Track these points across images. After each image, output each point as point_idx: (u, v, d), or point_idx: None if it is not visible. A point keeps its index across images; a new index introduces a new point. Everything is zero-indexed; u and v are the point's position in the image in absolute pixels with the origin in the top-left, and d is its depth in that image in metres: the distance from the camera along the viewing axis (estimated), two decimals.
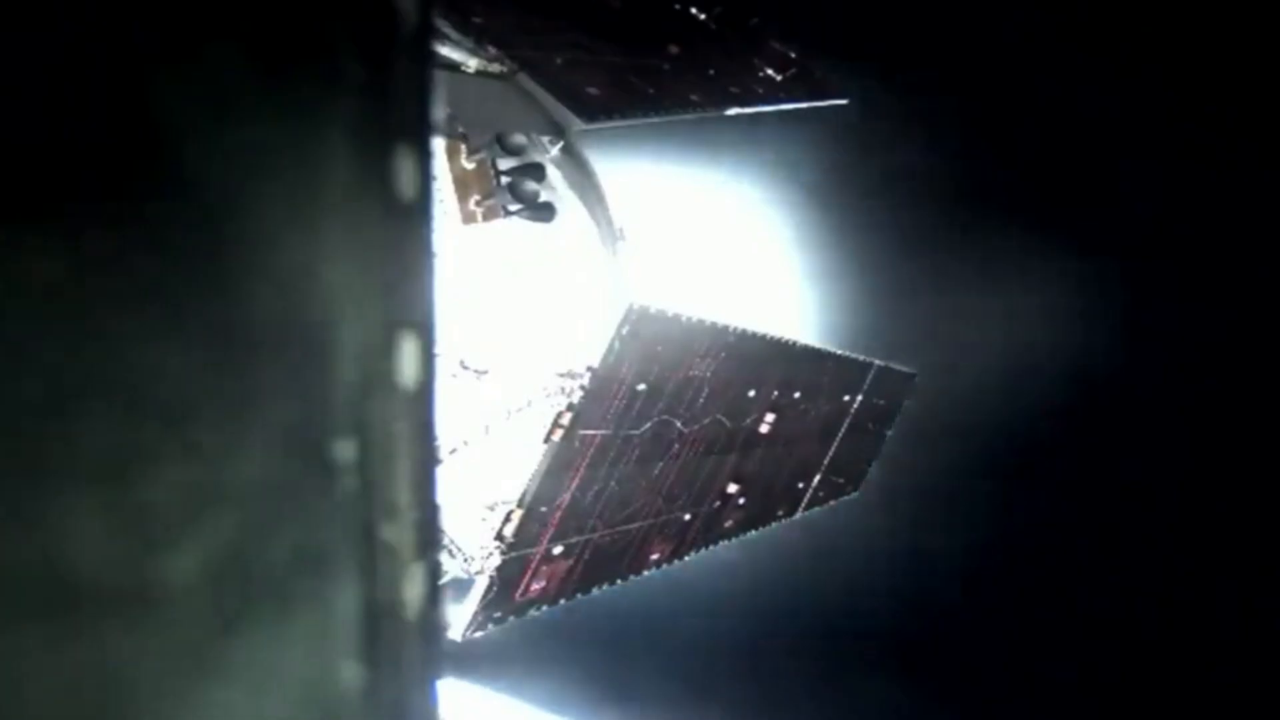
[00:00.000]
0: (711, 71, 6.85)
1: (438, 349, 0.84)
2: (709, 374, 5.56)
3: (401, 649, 0.83)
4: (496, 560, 4.50)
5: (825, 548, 9.83)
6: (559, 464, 4.65)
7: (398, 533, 0.81)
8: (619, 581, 5.58)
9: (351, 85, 0.74)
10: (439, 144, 4.66)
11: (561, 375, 4.73)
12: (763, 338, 6.04)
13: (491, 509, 4.72)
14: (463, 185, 4.76)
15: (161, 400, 0.66)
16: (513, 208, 5.04)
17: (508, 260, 5.28)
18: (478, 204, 4.82)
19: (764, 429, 6.56)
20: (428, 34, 0.80)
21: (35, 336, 0.61)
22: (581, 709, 9.95)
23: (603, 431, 4.86)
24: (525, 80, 5.18)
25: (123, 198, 0.64)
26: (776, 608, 10.31)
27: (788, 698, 10.57)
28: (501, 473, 4.79)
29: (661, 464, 5.53)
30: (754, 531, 7.10)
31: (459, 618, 4.56)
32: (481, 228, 4.89)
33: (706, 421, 5.78)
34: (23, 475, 0.61)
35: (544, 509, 4.68)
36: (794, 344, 6.54)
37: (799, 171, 9.79)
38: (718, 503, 6.46)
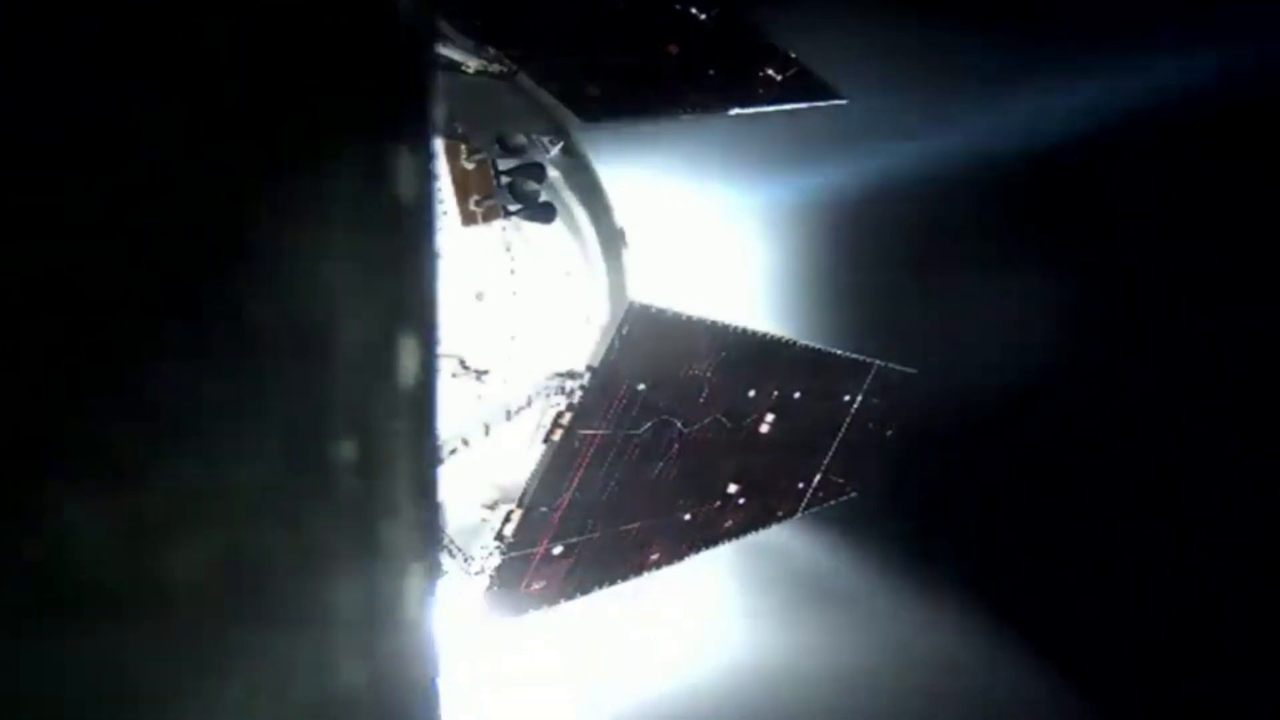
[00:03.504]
0: (711, 71, 6.84)
1: (438, 349, 0.84)
2: (709, 374, 5.56)
3: (401, 649, 0.83)
4: (496, 560, 4.50)
5: (824, 545, 9.84)
6: (559, 464, 4.65)
7: (398, 533, 0.81)
8: (619, 582, 5.58)
9: (351, 85, 0.74)
10: (439, 144, 4.65)
11: (561, 375, 4.73)
12: (763, 338, 6.04)
13: (491, 509, 4.72)
14: (463, 185, 4.76)
15: (161, 400, 0.66)
16: (513, 208, 5.04)
17: (507, 260, 5.27)
18: (478, 204, 4.81)
19: (764, 429, 6.55)
20: (428, 34, 0.79)
21: (35, 336, 0.61)
22: (582, 708, 9.94)
23: (603, 431, 4.86)
24: (525, 80, 5.18)
25: (120, 198, 0.64)
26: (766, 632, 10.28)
27: None
28: (501, 473, 4.79)
29: (661, 464, 5.53)
30: (754, 532, 7.10)
31: (460, 616, 4.56)
32: (481, 228, 4.88)
33: (706, 421, 5.78)
34: (23, 475, 0.61)
35: (544, 509, 4.68)
36: (794, 344, 6.54)
37: (799, 171, 9.79)
38: (718, 503, 6.46)
